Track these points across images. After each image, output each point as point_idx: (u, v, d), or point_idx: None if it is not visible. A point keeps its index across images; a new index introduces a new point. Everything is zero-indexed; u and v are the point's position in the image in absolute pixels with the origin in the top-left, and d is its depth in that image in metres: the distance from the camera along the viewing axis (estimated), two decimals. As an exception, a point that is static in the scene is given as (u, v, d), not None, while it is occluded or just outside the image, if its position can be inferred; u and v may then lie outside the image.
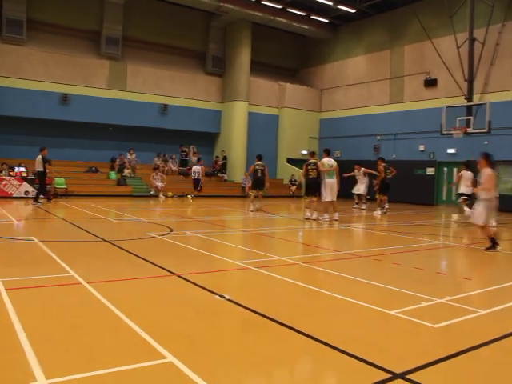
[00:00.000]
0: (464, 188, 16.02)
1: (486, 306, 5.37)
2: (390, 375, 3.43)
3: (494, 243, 9.56)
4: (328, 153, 15.24)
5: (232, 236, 11.75)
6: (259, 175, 17.39)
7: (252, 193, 17.83)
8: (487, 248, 9.59)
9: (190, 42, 28.75)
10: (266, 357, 3.77)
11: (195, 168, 21.53)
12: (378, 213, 17.76)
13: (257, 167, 17.43)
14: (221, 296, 5.37)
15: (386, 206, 18.34)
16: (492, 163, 9.62)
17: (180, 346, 3.91)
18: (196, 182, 21.25)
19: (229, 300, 5.26)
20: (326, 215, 14.67)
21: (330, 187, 14.58)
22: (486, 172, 9.44)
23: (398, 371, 3.49)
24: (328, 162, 14.79)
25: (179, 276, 6.36)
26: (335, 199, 14.82)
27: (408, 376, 3.43)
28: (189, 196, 21.08)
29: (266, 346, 4.03)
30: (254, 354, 3.84)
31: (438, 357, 3.83)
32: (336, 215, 14.65)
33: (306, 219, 14.66)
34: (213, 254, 8.42)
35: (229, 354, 3.83)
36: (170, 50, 28.14)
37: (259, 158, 17.74)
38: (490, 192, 9.37)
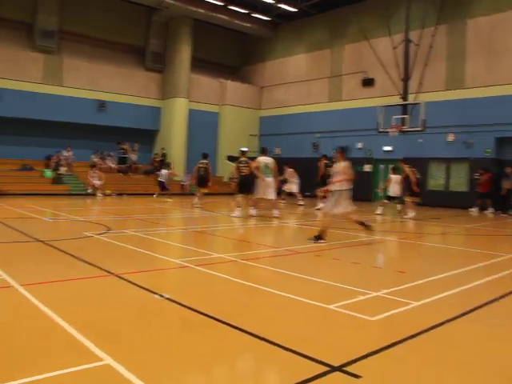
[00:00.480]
0: (392, 191, 17.27)
1: (419, 297, 5.55)
2: (328, 368, 3.50)
3: (365, 225, 10.00)
4: (264, 151, 15.34)
5: (171, 234, 11.63)
6: (202, 173, 17.88)
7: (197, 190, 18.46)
8: (365, 228, 10.06)
9: (129, 37, 28.17)
10: (207, 355, 3.75)
11: (164, 172, 22.22)
12: (319, 207, 18.23)
13: (200, 165, 17.97)
14: (160, 295, 5.30)
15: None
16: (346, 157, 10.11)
17: (118, 347, 3.84)
18: (162, 184, 22.08)
19: (168, 299, 5.19)
20: (252, 209, 14.85)
21: (265, 185, 14.50)
22: (341, 165, 9.84)
23: (336, 364, 3.56)
24: (264, 160, 14.77)
25: (117, 276, 6.22)
26: (274, 197, 14.88)
27: (345, 368, 3.51)
28: (154, 196, 22.32)
29: (206, 344, 4.00)
30: (194, 352, 3.81)
31: (375, 348, 3.94)
32: (276, 212, 14.74)
33: (250, 216, 14.74)
34: (152, 253, 8.30)
35: (169, 353, 3.78)
36: (108, 44, 27.50)
37: (204, 156, 18.28)
38: (343, 184, 9.71)
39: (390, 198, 17.65)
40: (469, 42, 21.93)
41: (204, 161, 18.04)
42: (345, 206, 9.85)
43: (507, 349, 4.18)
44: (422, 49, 22.34)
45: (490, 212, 19.36)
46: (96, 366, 3.41)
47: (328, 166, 18.96)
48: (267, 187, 14.47)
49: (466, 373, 3.63)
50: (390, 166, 18.44)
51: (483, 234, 13.26)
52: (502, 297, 5.86)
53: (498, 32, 21.03)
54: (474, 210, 19.79)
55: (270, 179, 14.56)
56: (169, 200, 20.69)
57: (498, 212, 19.03)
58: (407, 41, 22.23)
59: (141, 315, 4.76)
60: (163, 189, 22.17)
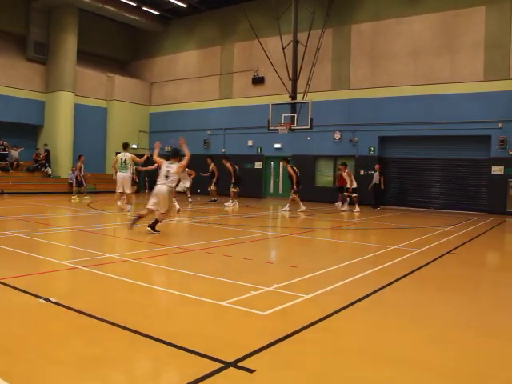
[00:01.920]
0: (355, 184, 19.00)
1: (310, 290, 5.69)
2: (222, 365, 3.47)
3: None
4: (125, 147, 15.99)
5: (58, 235, 11.00)
6: None
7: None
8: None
9: (7, 24, 26.08)
10: (98, 360, 3.57)
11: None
12: (232, 204, 19.21)
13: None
14: (46, 299, 4.96)
15: (230, 201, 19.27)
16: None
17: (-3, 359, 3.52)
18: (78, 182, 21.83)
19: (55, 303, 4.88)
20: (129, 206, 15.43)
21: (122, 180, 15.32)
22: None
23: (229, 360, 3.54)
24: (122, 156, 15.43)
25: (-4, 281, 5.76)
26: (128, 191, 15.48)
27: (239, 363, 3.50)
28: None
29: (96, 347, 3.81)
30: (83, 357, 3.59)
31: (268, 342, 3.96)
32: (128, 207, 15.37)
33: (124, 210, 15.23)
34: (37, 255, 7.79)
35: (55, 360, 3.53)
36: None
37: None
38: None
39: (354, 191, 19.12)
40: (353, 46, 23.05)
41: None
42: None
43: (389, 336, 4.38)
44: (310, 50, 23.04)
45: (338, 204, 20.64)
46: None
47: (232, 164, 19.72)
48: (124, 182, 15.23)
49: (356, 360, 3.74)
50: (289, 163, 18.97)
51: (368, 227, 13.96)
52: (385, 286, 6.18)
53: (378, 38, 22.30)
54: (339, 204, 21.03)
55: (126, 174, 15.30)
56: (74, 199, 20.39)
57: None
58: (295, 42, 22.83)
59: (25, 322, 4.42)
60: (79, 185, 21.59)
